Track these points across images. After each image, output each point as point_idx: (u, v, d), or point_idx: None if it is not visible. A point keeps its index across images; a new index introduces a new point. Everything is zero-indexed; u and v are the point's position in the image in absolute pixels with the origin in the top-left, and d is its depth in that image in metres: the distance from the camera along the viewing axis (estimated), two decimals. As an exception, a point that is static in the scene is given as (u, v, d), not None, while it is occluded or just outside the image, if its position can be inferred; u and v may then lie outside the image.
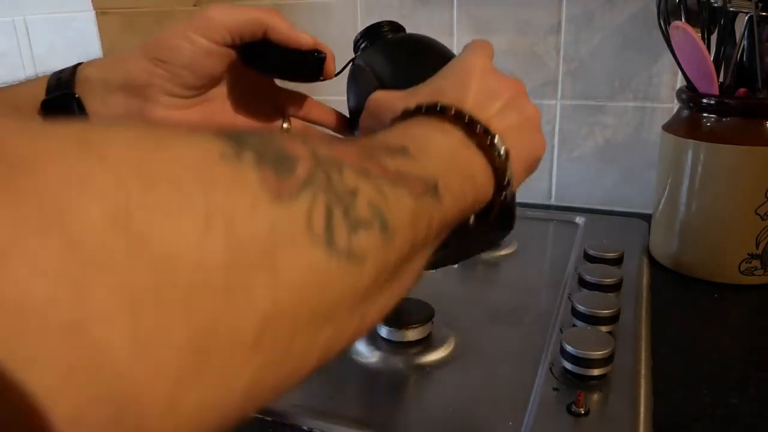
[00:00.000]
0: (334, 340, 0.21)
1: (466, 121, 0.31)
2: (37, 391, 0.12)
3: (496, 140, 0.32)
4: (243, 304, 0.16)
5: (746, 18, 0.59)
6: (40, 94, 0.40)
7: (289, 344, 0.18)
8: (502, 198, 0.33)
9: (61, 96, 0.39)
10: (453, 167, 0.29)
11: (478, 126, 0.31)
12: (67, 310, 0.12)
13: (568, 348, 0.46)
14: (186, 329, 0.15)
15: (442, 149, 0.29)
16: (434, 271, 0.69)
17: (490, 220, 0.34)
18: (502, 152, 0.32)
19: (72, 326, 0.12)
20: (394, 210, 0.22)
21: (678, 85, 0.78)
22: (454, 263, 0.46)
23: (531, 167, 0.38)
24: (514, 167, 0.33)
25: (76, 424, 0.13)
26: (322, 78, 0.42)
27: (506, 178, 0.32)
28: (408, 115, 0.33)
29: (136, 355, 0.14)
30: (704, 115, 0.61)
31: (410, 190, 0.24)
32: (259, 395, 0.18)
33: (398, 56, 0.43)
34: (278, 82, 0.46)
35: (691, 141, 0.61)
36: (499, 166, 0.32)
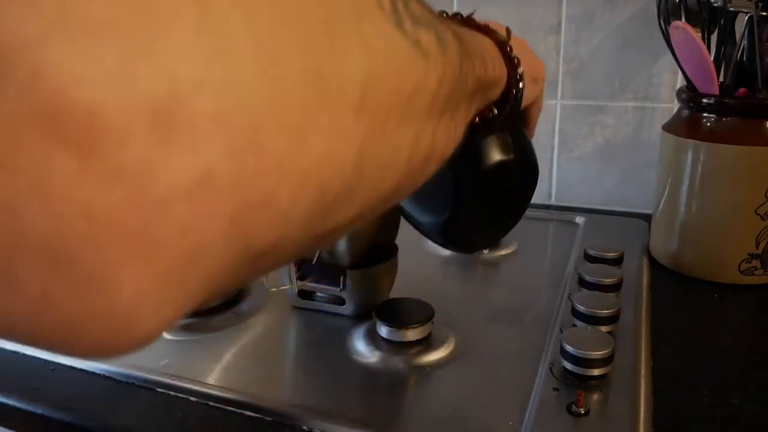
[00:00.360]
0: (415, 144, 0.22)
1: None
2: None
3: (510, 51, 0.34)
4: (344, 58, 0.17)
5: (746, 18, 0.59)
6: None
7: (385, 122, 0.19)
8: (516, 79, 0.34)
9: None
10: (483, 49, 0.31)
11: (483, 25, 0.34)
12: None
13: (568, 348, 0.46)
14: (300, 61, 0.15)
15: (474, 38, 0.31)
16: (435, 272, 0.69)
17: (508, 110, 0.35)
18: (509, 44, 0.34)
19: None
20: (442, 31, 0.23)
21: (678, 85, 0.78)
22: (489, 235, 0.46)
23: (534, 78, 0.39)
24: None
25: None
26: None
27: (514, 57, 0.34)
28: None
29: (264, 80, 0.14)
30: (704, 115, 0.61)
31: (452, 31, 0.25)
32: (363, 177, 0.19)
33: None
34: None
35: (691, 141, 0.61)
36: (506, 50, 0.34)
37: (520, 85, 0.34)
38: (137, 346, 0.15)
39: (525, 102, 0.37)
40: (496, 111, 0.35)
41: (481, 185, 0.39)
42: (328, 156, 0.17)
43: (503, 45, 0.34)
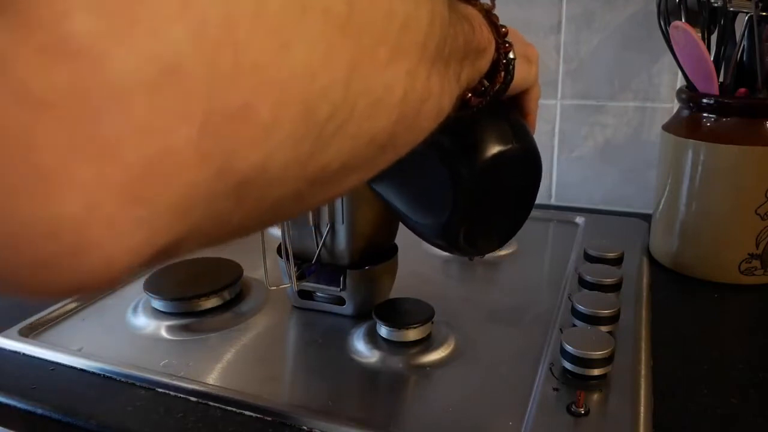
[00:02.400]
0: (409, 85, 0.21)
1: None
2: None
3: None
4: None
5: (746, 18, 0.59)
6: None
7: (374, 49, 0.18)
8: (506, 47, 0.33)
9: None
10: (468, 15, 0.30)
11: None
12: None
13: (568, 348, 0.46)
14: None
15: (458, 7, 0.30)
16: (435, 272, 0.69)
17: (501, 83, 0.34)
18: (494, 12, 0.33)
19: None
20: None
21: (678, 85, 0.78)
22: (494, 236, 0.43)
23: (527, 58, 0.38)
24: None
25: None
26: None
27: (501, 26, 0.33)
28: None
29: None
30: (704, 115, 0.61)
31: None
32: (354, 108, 0.18)
33: None
34: None
35: (691, 141, 0.61)
36: (492, 18, 0.33)
37: (511, 55, 0.33)
38: (97, 279, 0.12)
39: (519, 81, 0.36)
40: (487, 83, 0.33)
41: (481, 179, 0.36)
42: (313, 72, 0.15)
43: (488, 13, 0.33)
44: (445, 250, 0.41)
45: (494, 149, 0.36)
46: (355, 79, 0.17)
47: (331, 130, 0.17)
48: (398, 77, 0.20)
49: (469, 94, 0.33)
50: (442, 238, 0.39)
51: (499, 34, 0.33)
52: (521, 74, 0.36)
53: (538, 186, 0.40)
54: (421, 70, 0.21)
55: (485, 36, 0.32)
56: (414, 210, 0.41)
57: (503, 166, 0.37)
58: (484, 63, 0.32)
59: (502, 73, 0.33)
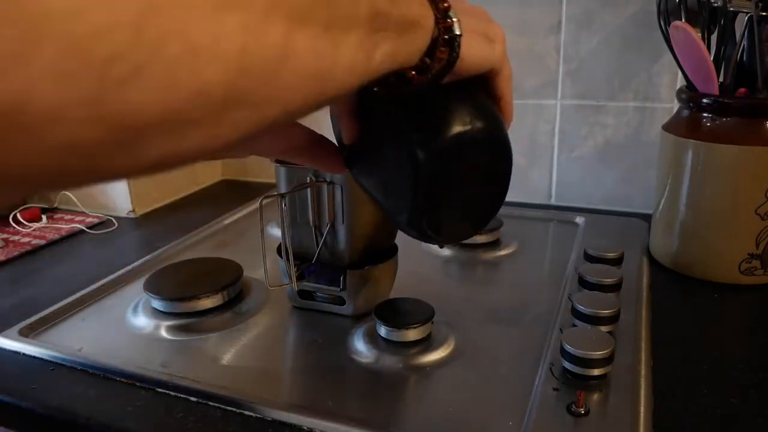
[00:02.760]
0: (250, 39, 0.21)
1: None
2: None
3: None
4: None
5: (746, 18, 0.59)
6: None
7: None
8: (444, 26, 0.31)
9: None
10: None
11: None
12: None
13: (568, 348, 0.46)
14: None
15: None
16: (435, 272, 0.69)
17: (445, 61, 0.32)
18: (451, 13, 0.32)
19: None
20: None
21: (678, 85, 0.78)
22: (462, 224, 0.40)
23: (487, 36, 0.36)
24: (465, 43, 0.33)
25: None
26: None
27: (443, 3, 0.32)
28: None
29: None
30: (704, 115, 0.61)
31: None
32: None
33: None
34: None
35: (691, 141, 0.61)
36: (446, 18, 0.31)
37: (456, 30, 0.32)
38: None
39: (475, 60, 0.34)
40: (428, 60, 0.32)
41: (440, 162, 0.34)
42: (78, 10, 0.16)
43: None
44: (416, 238, 0.39)
45: (452, 131, 0.34)
46: (153, 24, 0.17)
47: (121, 73, 0.17)
48: (230, 29, 0.20)
49: (413, 72, 0.32)
50: (407, 225, 0.38)
51: (438, 8, 0.32)
52: (478, 53, 0.34)
53: (509, 171, 0.38)
54: (270, 27, 0.21)
55: (414, 10, 0.30)
56: (384, 196, 0.39)
57: (464, 149, 0.35)
58: (418, 38, 0.31)
59: (445, 50, 0.32)
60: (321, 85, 0.25)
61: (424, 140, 0.34)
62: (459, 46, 0.32)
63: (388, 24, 0.28)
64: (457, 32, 0.32)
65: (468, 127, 0.34)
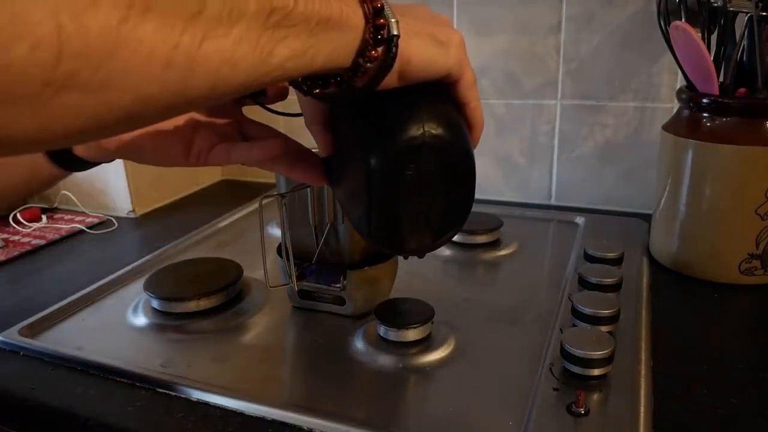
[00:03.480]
0: (72, 28, 0.21)
1: None
2: None
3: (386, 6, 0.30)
4: None
5: (746, 18, 0.59)
6: None
7: None
8: (376, 25, 0.30)
9: None
10: None
11: None
12: None
13: (568, 348, 0.46)
14: None
15: None
16: (435, 272, 0.69)
17: (381, 60, 0.31)
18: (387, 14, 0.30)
19: None
20: None
21: (678, 85, 0.78)
22: (423, 236, 0.37)
23: (436, 39, 0.34)
24: (409, 44, 0.31)
25: None
26: None
27: (377, 2, 0.30)
28: None
29: None
30: (704, 115, 0.61)
31: None
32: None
33: None
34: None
35: (691, 141, 0.61)
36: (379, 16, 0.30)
37: (394, 31, 0.30)
38: None
39: (424, 64, 0.33)
40: (361, 60, 0.31)
41: (391, 169, 0.33)
42: None
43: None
44: (376, 246, 0.38)
45: (404, 135, 0.33)
46: None
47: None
48: (42, 13, 0.20)
49: (349, 73, 0.31)
50: (367, 233, 0.36)
51: (369, 7, 0.30)
52: (425, 56, 0.33)
53: (471, 180, 0.37)
54: (96, 12, 0.21)
55: (334, 7, 0.29)
56: (350, 206, 0.38)
57: (416, 154, 0.33)
58: (344, 37, 0.30)
59: (379, 50, 0.31)
60: (184, 76, 0.24)
61: (377, 145, 0.33)
62: (396, 46, 0.31)
63: (291, 20, 0.27)
64: (395, 32, 0.31)
65: (420, 132, 0.33)
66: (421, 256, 0.39)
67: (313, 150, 0.42)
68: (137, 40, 0.22)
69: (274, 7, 0.26)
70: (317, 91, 0.33)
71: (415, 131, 0.33)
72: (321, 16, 0.28)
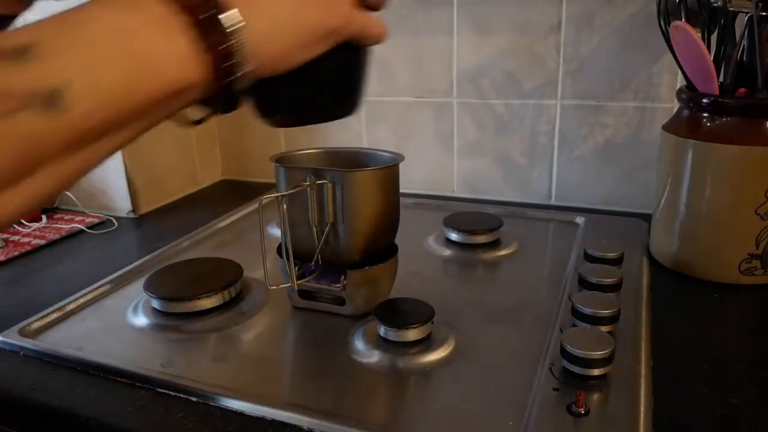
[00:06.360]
0: None
1: None
2: None
3: (222, 16, 0.27)
4: None
5: (746, 18, 0.59)
6: None
7: None
8: (227, 81, 0.28)
9: None
10: (113, 56, 0.25)
11: None
12: None
13: (568, 348, 0.46)
14: None
15: (100, 35, 0.25)
16: (435, 272, 0.69)
17: (214, 105, 0.30)
18: (227, 27, 0.27)
19: None
20: None
21: (678, 85, 0.78)
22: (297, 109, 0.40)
23: (310, 38, 0.32)
24: (269, 40, 0.29)
25: None
26: None
27: (233, 59, 0.28)
28: None
29: None
30: (704, 115, 0.61)
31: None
32: None
33: None
34: None
35: (691, 141, 0.61)
36: (220, 42, 0.27)
37: (236, 80, 0.28)
38: None
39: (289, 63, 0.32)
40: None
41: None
42: None
43: (217, 49, 0.27)
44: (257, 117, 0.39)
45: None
46: None
47: None
48: None
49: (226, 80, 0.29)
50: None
51: (224, 66, 0.28)
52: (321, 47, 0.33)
53: (357, 66, 0.39)
54: None
55: (185, 75, 0.27)
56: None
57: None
58: (188, 92, 0.28)
59: (219, 97, 0.29)
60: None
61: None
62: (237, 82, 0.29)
63: (148, 103, 0.27)
64: (240, 21, 0.28)
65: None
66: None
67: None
68: None
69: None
70: (201, 119, 0.33)
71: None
72: (168, 86, 0.27)
